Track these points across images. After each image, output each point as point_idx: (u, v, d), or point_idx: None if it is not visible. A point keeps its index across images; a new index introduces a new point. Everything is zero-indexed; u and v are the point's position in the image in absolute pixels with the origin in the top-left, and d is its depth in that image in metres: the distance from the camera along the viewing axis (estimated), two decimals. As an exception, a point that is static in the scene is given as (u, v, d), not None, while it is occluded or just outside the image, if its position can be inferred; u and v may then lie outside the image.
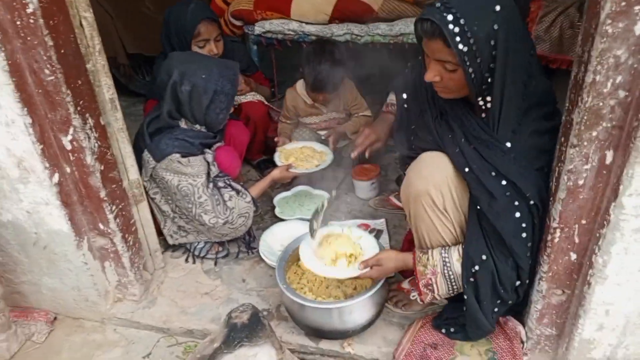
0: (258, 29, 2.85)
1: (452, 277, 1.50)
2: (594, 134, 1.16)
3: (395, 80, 1.89)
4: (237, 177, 2.19)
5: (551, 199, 1.35)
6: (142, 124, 2.03)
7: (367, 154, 1.89)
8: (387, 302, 1.80)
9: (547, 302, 1.48)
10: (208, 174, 1.94)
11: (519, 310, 1.63)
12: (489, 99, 1.36)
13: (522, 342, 1.59)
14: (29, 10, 1.34)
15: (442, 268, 1.50)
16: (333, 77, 2.30)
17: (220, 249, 2.14)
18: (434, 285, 1.53)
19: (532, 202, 1.37)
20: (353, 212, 2.41)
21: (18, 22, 1.35)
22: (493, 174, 1.38)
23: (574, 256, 1.37)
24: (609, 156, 1.18)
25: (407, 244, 1.96)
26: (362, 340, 1.71)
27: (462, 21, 1.24)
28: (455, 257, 1.49)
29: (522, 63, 1.32)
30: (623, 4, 1.00)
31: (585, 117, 1.15)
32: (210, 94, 1.87)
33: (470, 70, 1.30)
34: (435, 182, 1.46)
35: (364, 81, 2.45)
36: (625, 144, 1.14)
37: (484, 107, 1.40)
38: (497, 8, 1.25)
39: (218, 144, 2.08)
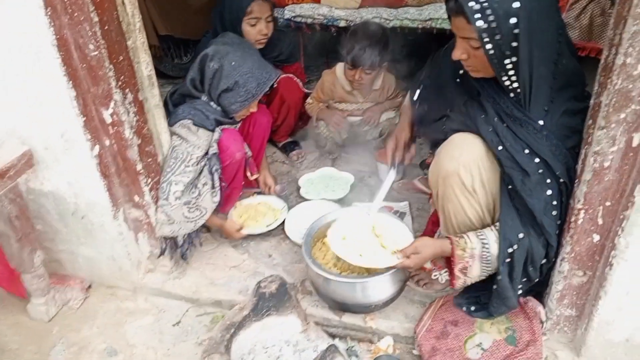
0: (288, 12, 2.89)
1: (489, 259, 1.52)
2: (622, 116, 1.19)
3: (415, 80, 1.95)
4: (243, 165, 2.11)
5: (576, 180, 1.37)
6: (165, 96, 2.05)
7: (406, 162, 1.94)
8: (409, 281, 1.85)
9: (568, 283, 1.51)
10: (206, 152, 1.92)
11: (539, 291, 1.66)
12: (514, 78, 1.39)
13: (542, 322, 1.62)
14: (77, -13, 1.40)
15: (480, 251, 1.52)
16: (373, 54, 2.31)
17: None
18: (469, 269, 1.55)
19: (561, 180, 1.39)
20: (376, 194, 2.44)
21: (66, -1, 1.42)
22: (527, 151, 1.41)
23: (596, 237, 1.39)
24: (636, 138, 1.21)
25: (431, 225, 2.00)
26: (384, 316, 1.77)
27: None
28: (492, 238, 1.50)
29: (549, 41, 1.34)
30: (657, -14, 1.02)
31: (614, 100, 1.17)
32: (231, 82, 1.90)
33: (489, 47, 1.33)
34: (465, 162, 1.49)
35: (401, 67, 2.46)
36: (653, 127, 1.16)
37: (510, 87, 1.42)
38: None
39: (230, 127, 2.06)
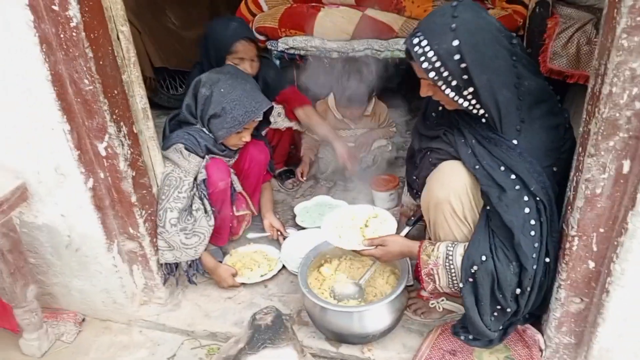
0: (281, 45, 2.94)
1: (453, 271, 1.54)
2: (611, 143, 1.20)
3: None
4: (228, 195, 2.12)
5: (569, 207, 1.38)
6: (165, 121, 2.09)
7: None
8: (406, 310, 1.83)
9: (565, 310, 1.50)
10: (195, 178, 1.94)
11: (538, 319, 1.65)
12: (478, 106, 1.45)
13: (541, 350, 1.61)
14: (73, 24, 1.43)
15: (444, 260, 1.55)
16: (360, 93, 2.37)
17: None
18: (435, 276, 1.58)
19: (538, 199, 1.40)
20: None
21: (62, 35, 1.44)
22: (502, 168, 1.43)
23: (592, 264, 1.39)
24: (626, 165, 1.22)
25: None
26: (381, 346, 1.75)
27: (423, 43, 1.39)
28: (459, 251, 1.53)
29: (504, 66, 1.40)
30: (638, 18, 1.05)
31: (602, 128, 1.19)
32: (219, 108, 1.91)
33: (440, 83, 1.42)
34: (455, 190, 1.51)
35: (393, 97, 2.51)
36: (642, 154, 1.17)
37: (478, 114, 1.47)
38: (454, 26, 1.35)
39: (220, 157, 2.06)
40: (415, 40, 1.40)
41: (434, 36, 1.38)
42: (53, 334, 1.91)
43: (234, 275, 2.06)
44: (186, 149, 1.92)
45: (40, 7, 1.41)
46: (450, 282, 1.56)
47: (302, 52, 2.93)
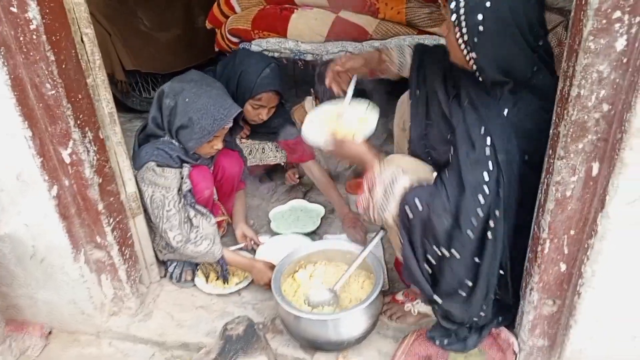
0: (255, 47, 2.90)
1: (389, 197, 1.52)
2: (580, 146, 1.20)
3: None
4: (210, 202, 2.09)
5: (540, 210, 1.38)
6: (135, 134, 2.05)
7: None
8: (381, 315, 1.82)
9: (538, 313, 1.50)
10: (180, 189, 1.91)
11: (511, 323, 1.65)
12: (475, 67, 1.44)
13: (515, 354, 1.61)
14: (32, 27, 1.38)
15: (388, 182, 1.52)
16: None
17: (189, 278, 2.08)
18: (373, 190, 1.55)
19: (501, 174, 1.40)
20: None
21: (21, 38, 1.39)
22: (482, 130, 1.43)
23: (563, 266, 1.40)
24: (595, 168, 1.22)
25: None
26: (357, 353, 1.72)
27: None
28: (403, 183, 1.51)
29: (524, 52, 1.38)
30: (604, 21, 1.05)
31: (571, 130, 1.19)
32: (185, 119, 1.84)
33: (456, 30, 1.39)
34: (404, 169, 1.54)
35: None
36: (610, 156, 1.17)
37: (477, 76, 1.47)
38: None
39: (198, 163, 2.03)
40: None
41: None
42: (17, 349, 1.84)
43: (273, 268, 1.96)
44: (158, 165, 1.87)
45: (-3, 8, 1.35)
46: (383, 202, 1.53)
47: (275, 55, 2.90)
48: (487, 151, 1.41)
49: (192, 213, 1.91)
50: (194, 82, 1.91)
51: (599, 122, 1.16)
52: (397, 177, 1.53)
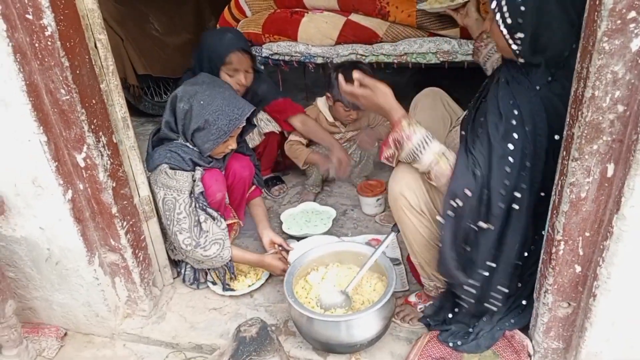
0: (266, 51, 2.91)
1: (416, 156, 1.49)
2: (595, 147, 1.19)
3: None
4: (223, 206, 2.10)
5: (554, 212, 1.37)
6: (149, 137, 2.06)
7: None
8: (394, 317, 1.81)
9: (553, 315, 1.49)
10: (192, 192, 1.92)
11: (526, 326, 1.64)
12: (524, 52, 1.44)
13: (529, 356, 1.60)
14: (47, 33, 1.40)
15: (416, 143, 1.48)
16: None
17: (202, 280, 2.10)
18: (402, 145, 1.51)
19: (527, 143, 1.40)
20: (359, 228, 2.43)
21: (37, 45, 1.41)
22: (511, 102, 1.44)
23: (578, 268, 1.39)
24: (610, 169, 1.21)
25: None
26: (369, 355, 1.72)
27: None
28: (433, 149, 1.48)
29: (562, 30, 1.38)
30: (619, 22, 1.04)
31: (585, 131, 1.18)
32: (202, 121, 1.86)
33: (498, 17, 1.41)
34: (408, 183, 1.55)
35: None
36: (626, 157, 1.16)
37: (522, 61, 1.47)
38: None
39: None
40: None
41: None
42: (34, 350, 1.86)
43: (284, 270, 2.01)
44: (171, 168, 1.88)
45: (13, 15, 1.37)
46: (408, 157, 1.51)
47: (286, 58, 2.91)
48: (514, 121, 1.42)
49: (202, 217, 1.91)
50: (206, 84, 1.92)
51: (613, 124, 1.15)
52: (427, 140, 1.49)
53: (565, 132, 1.30)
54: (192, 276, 2.07)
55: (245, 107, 1.92)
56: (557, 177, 1.36)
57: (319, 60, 2.86)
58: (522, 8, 1.36)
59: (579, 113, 1.19)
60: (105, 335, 1.94)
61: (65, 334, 1.96)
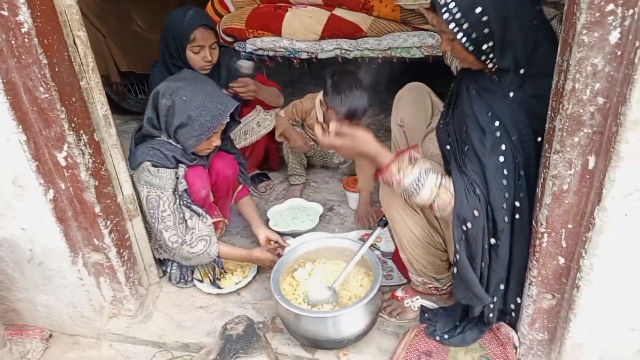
0: (250, 46, 2.90)
1: (413, 193, 1.46)
2: (576, 139, 1.20)
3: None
4: (208, 202, 2.08)
5: (538, 204, 1.38)
6: (132, 135, 2.04)
7: None
8: (381, 312, 1.82)
9: (538, 307, 1.51)
10: (175, 189, 1.90)
11: (512, 317, 1.65)
12: (495, 60, 1.43)
13: (515, 348, 1.61)
14: (24, 30, 1.37)
15: (409, 184, 1.46)
16: (365, 103, 2.27)
17: (189, 278, 2.09)
18: (395, 186, 1.49)
19: (517, 151, 1.40)
20: (346, 223, 2.43)
21: (13, 42, 1.38)
22: (489, 114, 1.44)
23: (562, 260, 1.40)
24: (591, 161, 1.22)
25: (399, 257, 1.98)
26: (357, 350, 1.72)
27: None
28: (430, 183, 1.45)
29: (524, 28, 1.38)
30: (597, 14, 1.04)
31: (566, 124, 1.19)
32: (184, 117, 1.84)
33: (460, 36, 1.39)
34: None
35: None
36: (606, 149, 1.17)
37: (493, 69, 1.46)
38: None
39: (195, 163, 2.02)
40: None
41: None
42: (18, 352, 1.83)
43: (270, 248, 2.07)
44: (153, 165, 1.86)
45: (-12, 13, 1.34)
46: (407, 195, 1.49)
47: (270, 53, 2.90)
48: (498, 133, 1.41)
49: (187, 214, 1.89)
50: (188, 80, 1.90)
51: (594, 116, 1.16)
52: (422, 179, 1.46)
53: (547, 125, 1.30)
54: (178, 275, 2.06)
55: (229, 103, 1.90)
56: (540, 170, 1.36)
57: (304, 56, 2.85)
58: (485, 18, 1.35)
59: (560, 106, 1.19)
60: (91, 335, 1.92)
61: (51, 336, 1.94)
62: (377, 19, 2.72)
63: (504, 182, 1.41)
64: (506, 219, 1.44)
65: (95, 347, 1.90)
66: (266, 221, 2.43)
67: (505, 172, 1.41)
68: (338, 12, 2.78)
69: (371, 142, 1.51)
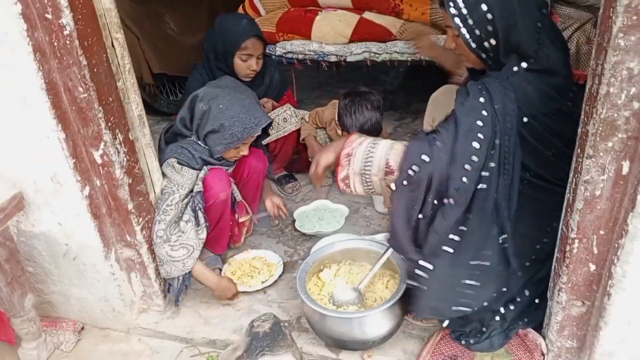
0: (279, 49, 2.93)
1: (370, 153, 1.51)
2: (610, 144, 1.18)
3: None
4: (228, 205, 2.07)
5: (568, 209, 1.36)
6: (161, 133, 2.09)
7: None
8: (406, 315, 1.81)
9: (567, 314, 1.48)
10: (191, 191, 1.91)
11: (540, 324, 1.63)
12: (495, 58, 1.47)
13: (543, 355, 1.59)
14: (66, 32, 1.42)
15: (366, 147, 1.52)
16: (378, 124, 2.34)
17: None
18: (352, 158, 1.54)
19: (498, 119, 1.40)
20: (372, 226, 2.44)
21: (55, 43, 1.44)
22: (479, 86, 1.44)
23: (593, 267, 1.37)
24: (625, 167, 1.20)
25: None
26: (382, 352, 1.73)
27: None
28: (382, 146, 1.50)
29: (528, 28, 1.42)
30: (634, 17, 1.03)
31: (600, 129, 1.17)
32: (217, 124, 1.88)
33: (464, 31, 1.44)
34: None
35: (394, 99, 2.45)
36: (641, 155, 1.15)
37: (492, 68, 1.50)
38: None
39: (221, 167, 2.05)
40: None
41: None
42: (52, 343, 1.90)
43: (236, 294, 2.01)
44: (179, 162, 1.91)
45: (33, 15, 1.40)
46: (363, 174, 1.53)
47: (300, 57, 2.92)
48: (482, 99, 1.41)
49: (186, 217, 1.87)
50: (228, 89, 1.94)
51: (629, 120, 1.14)
52: (375, 142, 1.52)
53: (579, 130, 1.29)
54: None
55: (262, 118, 1.95)
56: (571, 175, 1.35)
57: (332, 59, 2.87)
58: (489, 16, 1.38)
59: (594, 110, 1.18)
60: (121, 329, 1.97)
61: (83, 328, 2.00)
62: (406, 22, 2.72)
63: (475, 144, 1.40)
64: (465, 180, 1.41)
65: (125, 341, 1.95)
66: (292, 222, 2.45)
67: (479, 135, 1.40)
68: (368, 15, 2.79)
69: (326, 148, 1.65)
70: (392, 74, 4.06)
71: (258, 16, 3.09)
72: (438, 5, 1.53)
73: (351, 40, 2.79)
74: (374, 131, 2.32)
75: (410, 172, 1.44)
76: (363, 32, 2.75)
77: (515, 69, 1.45)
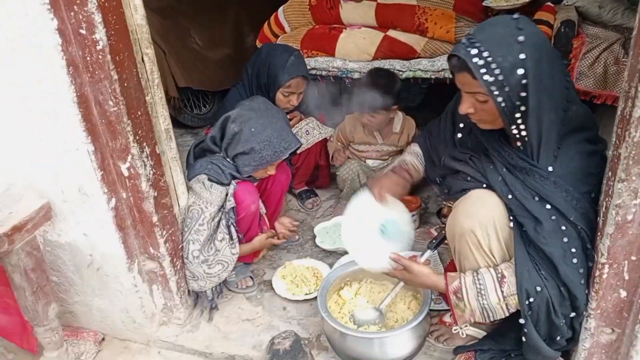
0: (303, 66, 2.96)
1: (487, 307, 1.47)
2: (643, 168, 1.16)
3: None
4: (257, 217, 2.12)
5: (599, 233, 1.33)
6: (190, 148, 2.12)
7: None
8: (428, 336, 1.78)
9: (595, 341, 1.44)
10: (222, 207, 1.94)
11: (567, 349, 1.59)
12: (522, 127, 1.39)
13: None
14: (99, 47, 1.45)
15: (476, 294, 1.47)
16: (376, 97, 2.34)
17: (247, 284, 2.16)
18: (465, 299, 1.50)
19: (579, 227, 1.36)
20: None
21: (88, 58, 1.47)
22: (536, 199, 1.39)
23: (623, 293, 1.34)
24: (659, 191, 1.17)
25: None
26: (402, 373, 1.70)
27: (485, 54, 1.31)
28: (489, 279, 1.46)
29: (559, 88, 1.35)
30: (670, 40, 1.02)
31: (633, 152, 1.15)
32: (248, 147, 1.92)
33: (500, 99, 1.34)
34: (481, 221, 1.47)
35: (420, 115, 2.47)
36: (676, 179, 1.13)
37: (518, 136, 1.42)
38: (521, 38, 1.29)
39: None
40: (474, 51, 1.31)
41: (498, 47, 1.30)
42: (73, 353, 1.91)
43: (275, 237, 2.15)
44: (209, 179, 1.93)
45: (68, 31, 1.44)
46: (485, 317, 1.50)
47: (323, 73, 2.94)
48: (553, 217, 1.37)
49: (220, 236, 1.92)
50: (261, 111, 1.97)
51: (663, 144, 1.12)
52: (480, 283, 1.48)
53: (611, 152, 1.26)
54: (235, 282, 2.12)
55: (292, 142, 1.98)
56: (601, 198, 1.32)
57: (356, 75, 2.88)
58: (524, 81, 1.30)
59: (626, 133, 1.16)
60: (141, 341, 1.98)
61: (103, 339, 2.01)
62: (431, 40, 2.72)
63: (575, 260, 1.37)
64: (586, 292, 1.40)
65: (144, 353, 1.95)
66: (312, 237, 2.45)
67: (573, 250, 1.37)
68: (392, 33, 2.80)
69: (427, 276, 1.58)
70: (413, 90, 4.05)
71: (283, 33, 3.12)
72: (456, 69, 1.40)
73: (375, 58, 2.80)
74: (374, 106, 2.38)
75: (528, 301, 1.42)
76: (387, 50, 2.76)
77: (554, 154, 1.40)
